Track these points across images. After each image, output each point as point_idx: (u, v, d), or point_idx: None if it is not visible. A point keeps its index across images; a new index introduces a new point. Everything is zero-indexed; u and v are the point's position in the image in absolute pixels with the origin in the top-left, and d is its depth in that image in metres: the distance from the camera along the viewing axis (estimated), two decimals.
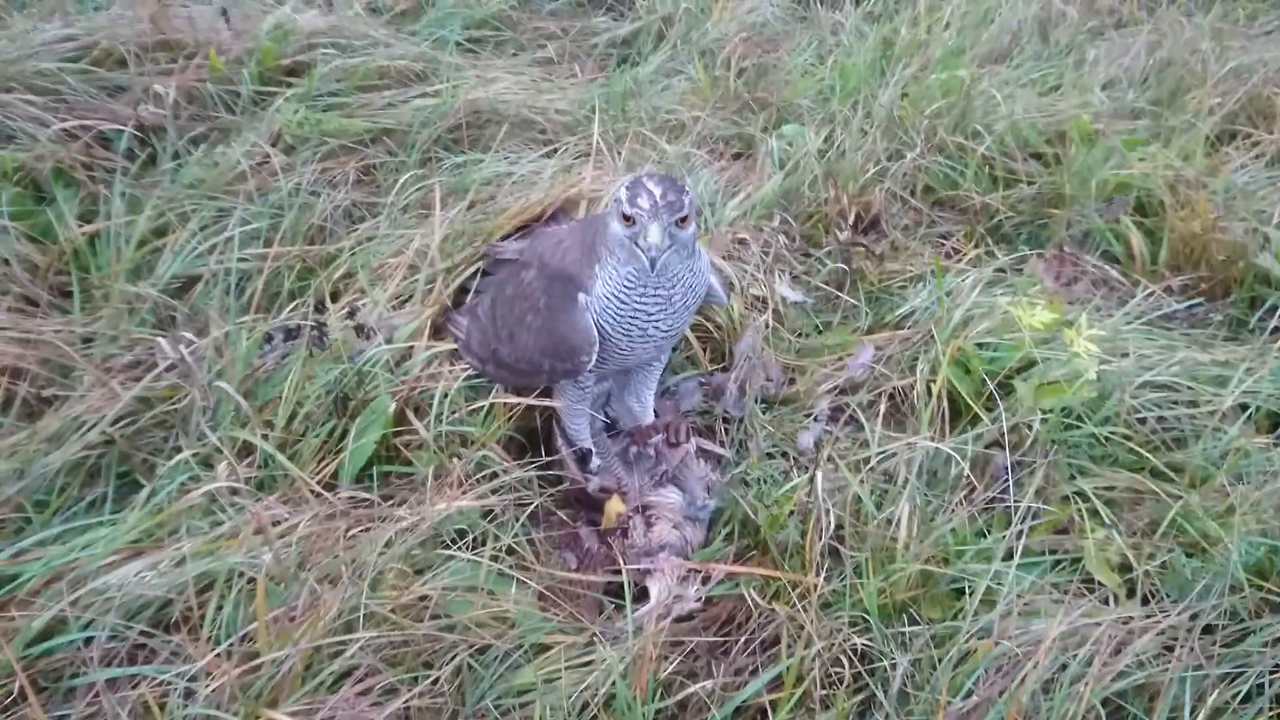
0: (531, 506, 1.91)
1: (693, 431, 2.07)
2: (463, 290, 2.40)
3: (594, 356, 1.86)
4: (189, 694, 1.62)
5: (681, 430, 2.05)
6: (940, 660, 1.58)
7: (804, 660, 1.59)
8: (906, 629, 1.64)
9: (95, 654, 1.66)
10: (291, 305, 2.41)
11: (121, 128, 2.70)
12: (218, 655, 1.63)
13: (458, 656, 1.65)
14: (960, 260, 2.50)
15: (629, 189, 1.75)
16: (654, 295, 1.81)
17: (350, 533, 1.89)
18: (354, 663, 1.62)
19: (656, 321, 1.85)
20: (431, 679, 1.62)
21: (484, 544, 1.81)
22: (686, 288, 1.84)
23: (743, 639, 1.71)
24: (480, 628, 1.70)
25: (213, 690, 1.58)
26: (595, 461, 2.04)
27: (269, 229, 2.58)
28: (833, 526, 1.76)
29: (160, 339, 2.17)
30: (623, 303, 1.82)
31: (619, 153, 2.80)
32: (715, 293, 2.00)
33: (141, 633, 1.72)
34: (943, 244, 2.60)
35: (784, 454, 2.10)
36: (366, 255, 2.50)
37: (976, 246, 2.53)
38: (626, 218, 1.74)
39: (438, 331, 2.33)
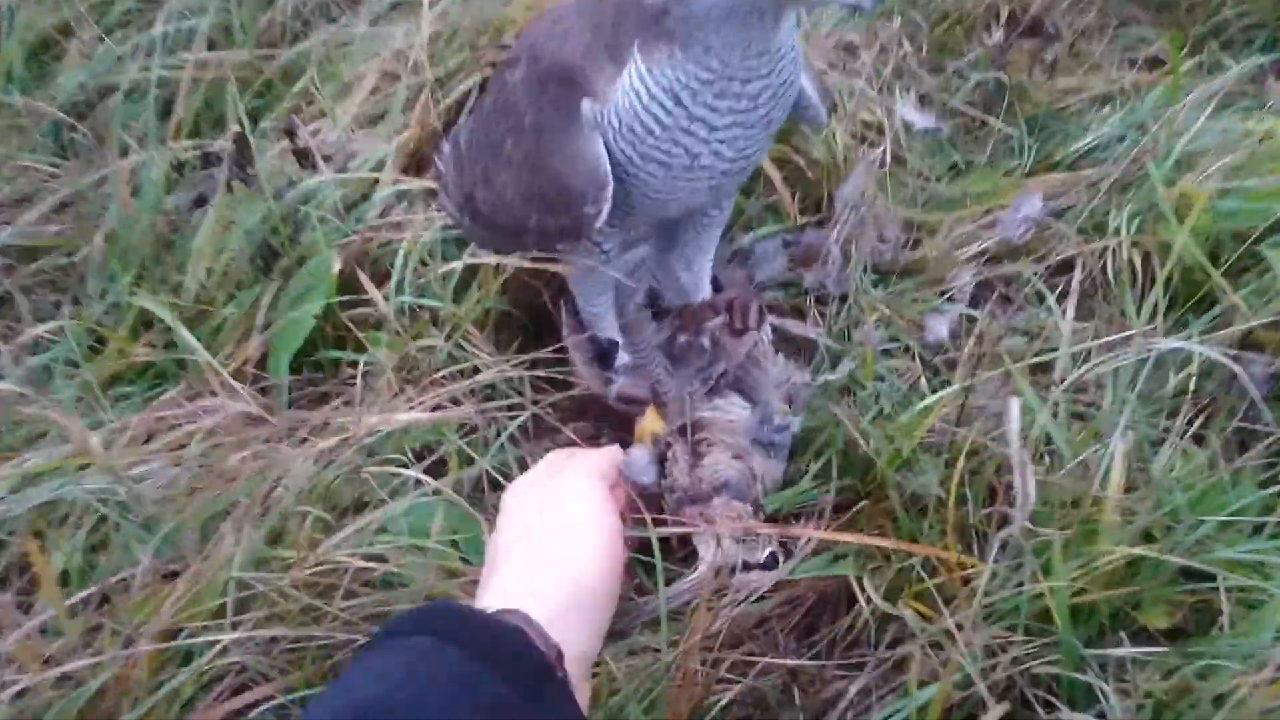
0: (519, 420, 1.27)
1: (768, 314, 1.39)
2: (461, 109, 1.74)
3: (604, 205, 1.15)
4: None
5: (751, 311, 1.38)
6: (1192, 707, 0.94)
7: (949, 694, 0.96)
8: (1121, 651, 0.99)
9: None
10: (232, 131, 1.78)
11: None
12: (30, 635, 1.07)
13: None
14: (1167, 73, 1.73)
15: None
16: (736, 96, 1.07)
17: (257, 451, 1.29)
18: (230, 663, 1.05)
19: (722, 143, 1.12)
20: None
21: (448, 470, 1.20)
22: (781, 82, 1.10)
23: (837, 647, 1.09)
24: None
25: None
26: (623, 359, 1.39)
27: (212, 28, 1.93)
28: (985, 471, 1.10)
29: None
30: (673, 109, 1.09)
31: None
32: (809, 103, 1.25)
33: None
34: (1138, 52, 1.82)
35: (905, 349, 1.43)
36: (334, 63, 1.85)
37: (1192, 55, 1.75)
38: None
39: (421, 166, 1.68)
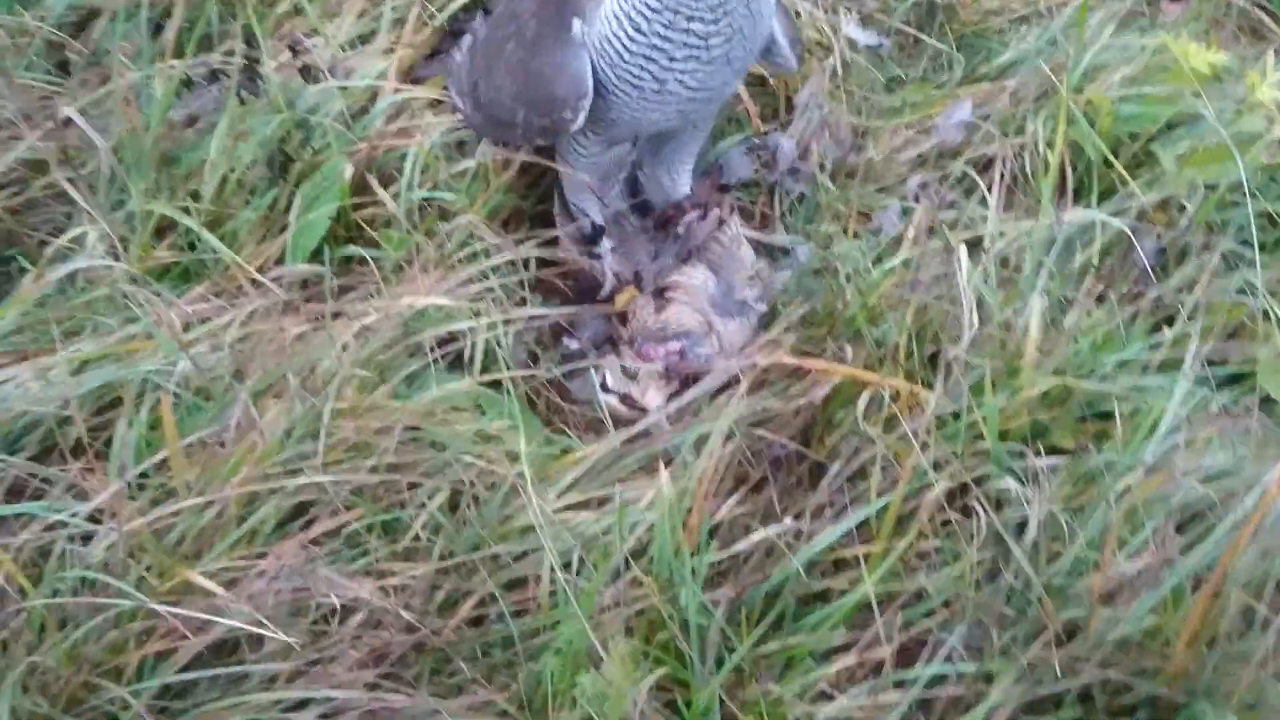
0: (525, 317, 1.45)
1: (736, 210, 1.60)
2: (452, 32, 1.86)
3: (580, 114, 1.36)
4: (87, 538, 1.23)
5: (724, 204, 1.59)
6: (1088, 503, 1.19)
7: (906, 499, 1.19)
8: (1039, 461, 1.23)
9: None
10: (224, 48, 1.89)
11: None
12: (122, 489, 1.22)
13: (437, 493, 1.24)
14: None
15: None
16: (684, 31, 1.28)
17: (299, 332, 1.46)
18: (305, 498, 1.22)
19: (682, 74, 1.32)
20: (411, 513, 1.23)
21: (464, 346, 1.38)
22: (734, 30, 1.30)
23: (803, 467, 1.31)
24: (468, 455, 1.29)
25: (116, 536, 1.18)
26: (606, 243, 1.58)
27: None
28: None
29: None
30: (635, 35, 1.29)
31: None
32: (779, 51, 1.46)
33: (28, 460, 1.32)
34: None
35: (854, 235, 1.65)
36: None
37: None
38: None
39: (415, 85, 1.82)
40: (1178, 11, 1.97)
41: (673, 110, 1.39)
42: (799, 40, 1.51)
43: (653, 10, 1.27)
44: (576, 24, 1.34)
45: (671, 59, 1.30)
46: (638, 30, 1.29)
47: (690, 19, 1.27)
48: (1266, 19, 1.98)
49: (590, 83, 1.35)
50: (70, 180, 1.70)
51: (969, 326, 1.18)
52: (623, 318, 1.53)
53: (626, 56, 1.32)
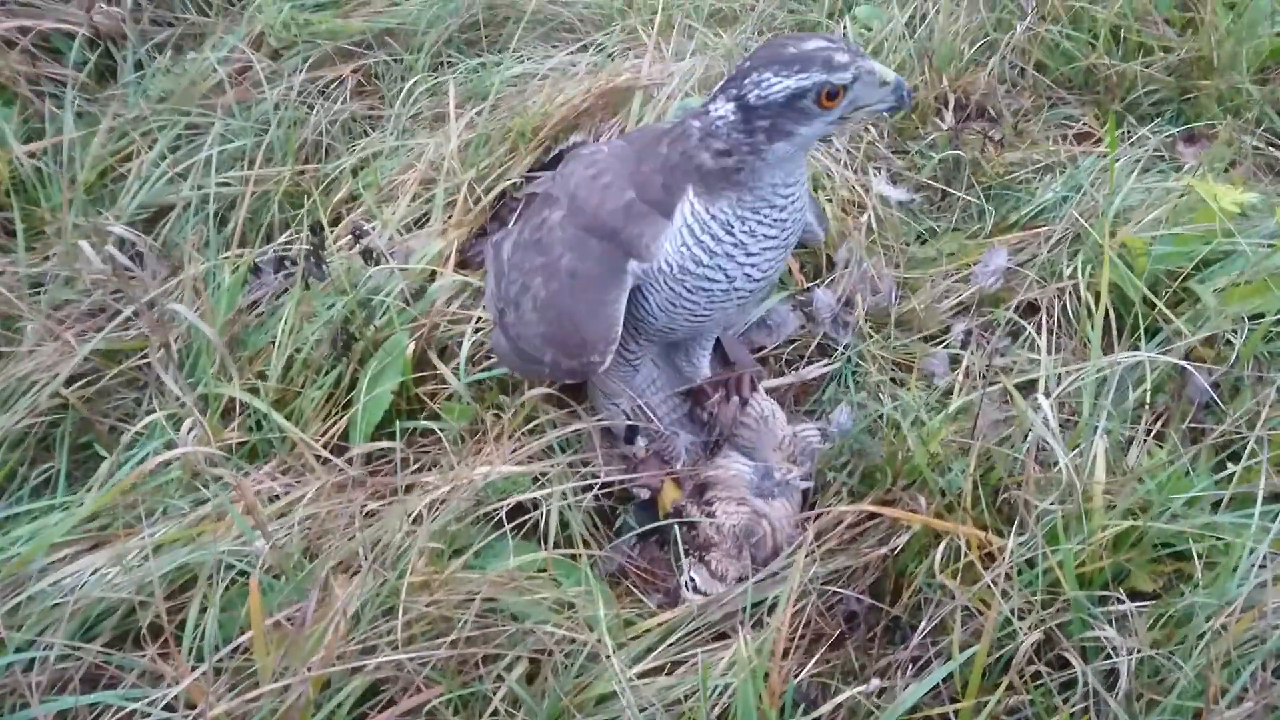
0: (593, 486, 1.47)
1: (758, 383, 1.62)
2: (495, 215, 1.97)
3: (608, 356, 1.34)
4: None
5: (744, 383, 1.60)
6: (1179, 644, 1.16)
7: (992, 650, 1.17)
8: (1123, 606, 1.21)
9: (40, 679, 1.26)
10: (284, 237, 2.00)
11: (73, 31, 2.25)
12: (202, 675, 1.23)
13: (516, 664, 1.23)
14: (1095, 144, 2.05)
15: (793, 70, 1.18)
16: (772, 221, 1.30)
17: (367, 507, 1.48)
18: (381, 675, 1.22)
19: (751, 266, 1.32)
20: (490, 687, 1.22)
21: (537, 517, 1.39)
22: (798, 211, 1.33)
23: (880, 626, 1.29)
24: (548, 623, 1.28)
25: None
26: (640, 443, 1.58)
27: (253, 148, 2.14)
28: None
29: (82, 243, 1.76)
30: (723, 236, 1.29)
31: (661, 46, 2.35)
32: (810, 227, 1.51)
33: (102, 648, 1.32)
34: (1069, 128, 2.14)
35: (900, 383, 1.67)
36: (372, 173, 2.07)
37: (1118, 128, 2.06)
38: (831, 95, 1.19)
39: (464, 263, 1.91)
40: (1193, 153, 2.05)
41: (733, 305, 1.39)
42: (823, 214, 1.57)
43: (754, 210, 1.28)
44: (634, 265, 1.33)
45: (750, 253, 1.31)
46: (728, 231, 1.29)
47: (782, 208, 1.30)
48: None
49: (619, 328, 1.34)
50: (144, 367, 1.78)
51: (1037, 471, 1.18)
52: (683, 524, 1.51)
53: (706, 260, 1.31)
